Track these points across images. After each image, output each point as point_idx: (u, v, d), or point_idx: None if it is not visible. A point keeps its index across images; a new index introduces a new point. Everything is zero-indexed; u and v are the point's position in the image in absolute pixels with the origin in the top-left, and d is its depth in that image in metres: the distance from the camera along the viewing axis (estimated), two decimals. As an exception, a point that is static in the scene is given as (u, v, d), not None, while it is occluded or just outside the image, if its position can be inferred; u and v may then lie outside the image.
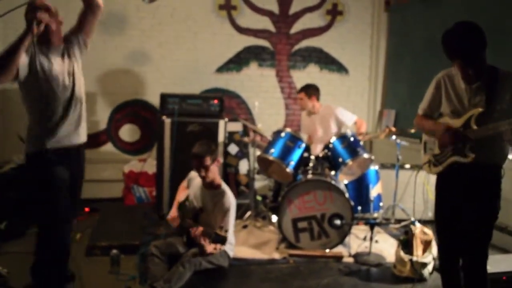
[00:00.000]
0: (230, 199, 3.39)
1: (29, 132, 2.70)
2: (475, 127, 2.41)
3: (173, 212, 3.48)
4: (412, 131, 4.36)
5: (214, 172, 3.42)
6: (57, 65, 2.67)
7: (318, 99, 4.80)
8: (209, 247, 3.18)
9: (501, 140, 2.44)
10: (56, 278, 2.83)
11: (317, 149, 4.63)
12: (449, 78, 2.55)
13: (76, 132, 2.78)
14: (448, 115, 2.58)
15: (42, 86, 2.59)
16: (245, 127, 5.50)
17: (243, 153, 5.70)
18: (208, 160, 3.30)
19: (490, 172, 2.48)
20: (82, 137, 2.85)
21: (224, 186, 3.49)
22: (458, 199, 2.57)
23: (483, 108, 2.39)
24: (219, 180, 3.49)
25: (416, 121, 2.80)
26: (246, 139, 4.99)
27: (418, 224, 3.62)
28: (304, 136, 4.97)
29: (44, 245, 2.78)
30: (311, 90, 4.76)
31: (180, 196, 3.60)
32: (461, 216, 2.57)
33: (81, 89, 2.80)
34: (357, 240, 4.17)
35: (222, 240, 3.10)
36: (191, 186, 3.60)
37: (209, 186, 3.45)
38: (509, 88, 2.37)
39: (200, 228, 3.15)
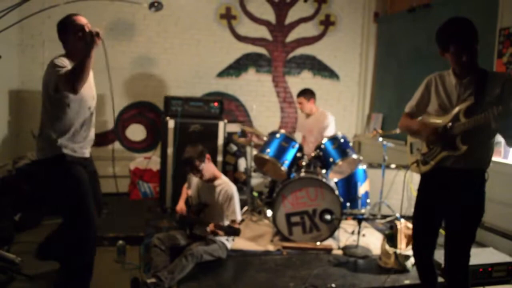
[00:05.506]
0: (231, 187, 3.40)
1: (46, 139, 2.59)
2: (464, 119, 2.29)
3: (181, 204, 3.54)
4: (397, 131, 4.36)
5: (209, 169, 3.41)
6: (89, 86, 2.67)
7: (314, 101, 4.84)
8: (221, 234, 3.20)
9: (487, 144, 2.36)
10: (85, 272, 2.77)
11: (310, 149, 4.65)
12: (440, 78, 2.45)
13: (88, 145, 2.75)
14: (435, 112, 2.46)
15: (76, 102, 2.56)
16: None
17: (241, 152, 5.70)
18: (197, 163, 3.30)
19: (476, 177, 2.38)
20: (89, 149, 2.81)
21: (223, 177, 3.50)
22: (440, 202, 2.47)
23: (472, 101, 2.28)
24: (217, 173, 3.50)
25: (401, 122, 2.65)
26: (243, 139, 4.99)
27: (402, 220, 3.62)
28: (299, 135, 5.00)
29: (72, 246, 2.67)
30: (308, 94, 4.81)
31: (185, 195, 3.64)
32: (440, 219, 2.51)
33: (95, 108, 2.79)
34: (345, 234, 4.18)
35: (235, 232, 3.10)
36: (192, 185, 3.60)
37: (210, 180, 3.46)
38: (498, 85, 2.26)
39: (212, 224, 3.13)
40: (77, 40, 2.53)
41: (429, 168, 2.50)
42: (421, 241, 2.63)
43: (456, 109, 2.34)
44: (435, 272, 2.63)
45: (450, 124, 2.36)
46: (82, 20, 2.59)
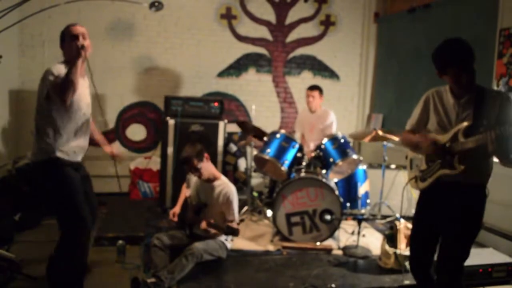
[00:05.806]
0: (231, 188, 3.40)
1: (40, 142, 2.64)
2: (463, 139, 2.27)
3: (176, 208, 3.51)
4: (396, 139, 4.39)
5: (208, 168, 3.39)
6: (84, 91, 2.75)
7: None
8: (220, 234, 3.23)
9: (485, 163, 2.35)
10: (76, 271, 2.78)
11: (311, 146, 4.68)
12: (438, 94, 2.43)
13: (81, 150, 2.79)
14: (434, 130, 2.44)
15: (71, 106, 2.61)
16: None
17: (241, 152, 5.70)
18: (195, 162, 3.29)
19: (475, 193, 2.37)
20: (82, 155, 2.84)
21: (223, 178, 3.50)
22: (439, 218, 2.44)
23: (471, 122, 2.27)
24: (216, 173, 3.49)
25: (403, 137, 2.63)
26: (242, 142, 5.01)
27: (402, 220, 3.63)
28: (298, 133, 5.02)
29: (66, 244, 2.70)
30: (321, 90, 4.89)
31: (183, 196, 3.64)
32: (438, 235, 2.48)
33: (90, 115, 2.84)
34: (345, 234, 4.18)
35: (234, 232, 3.10)
36: (191, 184, 3.60)
37: (209, 180, 3.45)
38: (497, 105, 2.26)
39: (204, 222, 3.16)
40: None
41: (427, 185, 2.49)
42: (419, 257, 2.59)
43: (455, 129, 2.33)
44: (433, 282, 2.59)
45: (448, 143, 2.34)
46: (78, 29, 2.67)
